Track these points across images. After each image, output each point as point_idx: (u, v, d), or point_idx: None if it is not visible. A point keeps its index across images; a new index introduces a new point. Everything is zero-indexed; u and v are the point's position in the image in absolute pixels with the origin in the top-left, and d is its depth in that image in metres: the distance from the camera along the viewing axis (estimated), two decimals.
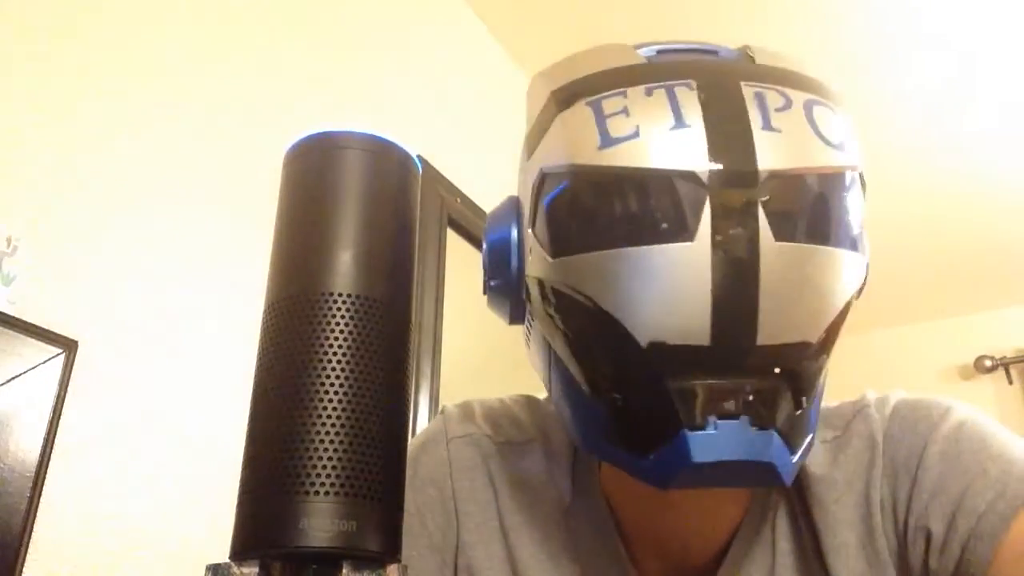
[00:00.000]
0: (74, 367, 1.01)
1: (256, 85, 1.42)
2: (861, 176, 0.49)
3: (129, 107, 1.19)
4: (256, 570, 0.32)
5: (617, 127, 0.46)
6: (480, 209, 1.94)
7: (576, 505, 0.61)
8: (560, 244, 0.49)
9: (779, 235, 0.44)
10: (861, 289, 0.51)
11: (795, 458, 0.46)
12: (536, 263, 0.51)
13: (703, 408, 0.45)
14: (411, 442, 0.68)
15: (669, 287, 0.45)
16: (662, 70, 0.48)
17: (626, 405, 0.48)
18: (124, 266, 1.12)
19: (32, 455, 0.95)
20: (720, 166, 0.44)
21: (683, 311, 0.44)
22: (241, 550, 0.32)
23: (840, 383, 0.62)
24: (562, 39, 2.20)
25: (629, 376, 0.48)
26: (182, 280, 1.20)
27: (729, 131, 0.45)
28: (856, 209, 0.48)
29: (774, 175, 0.44)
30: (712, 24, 2.07)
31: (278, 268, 0.37)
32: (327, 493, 0.31)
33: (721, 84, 0.47)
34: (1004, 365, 3.43)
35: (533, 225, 0.51)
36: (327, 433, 0.32)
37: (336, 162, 0.37)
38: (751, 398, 0.45)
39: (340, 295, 0.35)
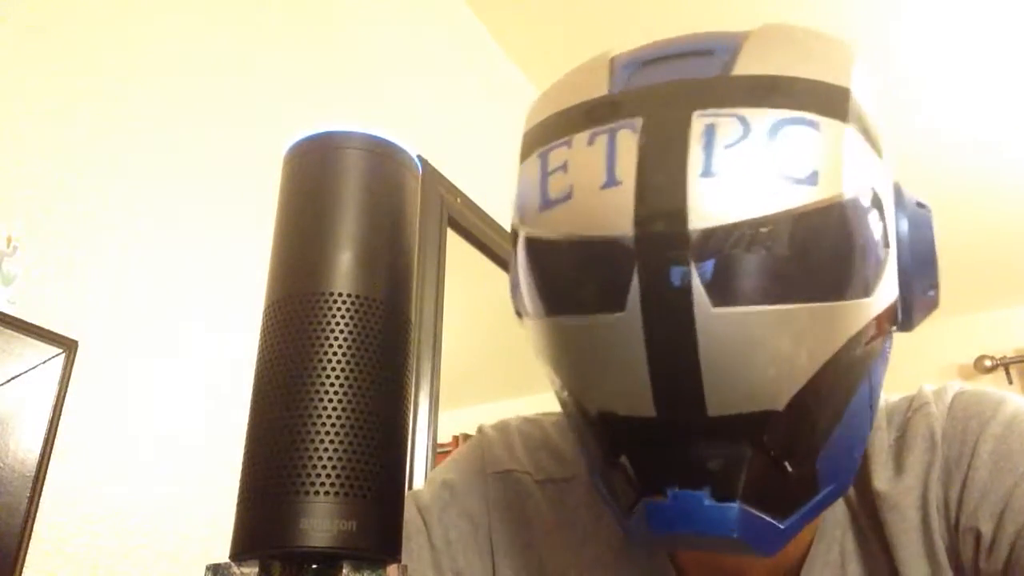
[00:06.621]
0: (74, 367, 1.01)
1: (256, 85, 1.42)
2: (871, 196, 0.42)
3: (129, 107, 1.19)
4: (256, 570, 0.32)
5: (555, 186, 0.43)
6: (480, 209, 1.95)
7: (630, 544, 0.58)
8: (519, 306, 0.49)
9: (717, 300, 0.39)
10: (888, 321, 0.45)
11: (784, 524, 0.43)
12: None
13: (659, 479, 0.43)
14: (446, 464, 0.65)
15: (607, 358, 0.42)
16: (612, 107, 0.44)
17: (602, 467, 0.47)
18: (124, 266, 1.12)
19: (32, 455, 0.95)
20: (647, 229, 0.40)
21: (624, 383, 0.42)
22: (241, 550, 0.32)
23: None
24: (561, 39, 2.20)
25: (594, 443, 0.47)
26: (182, 280, 1.20)
27: (661, 185, 0.40)
28: (846, 244, 0.41)
29: (708, 233, 0.39)
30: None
31: (278, 268, 0.37)
32: (327, 493, 0.31)
33: (668, 121, 0.42)
34: (1004, 365, 3.44)
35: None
36: (327, 433, 0.32)
37: (336, 162, 0.37)
38: (710, 469, 0.42)
39: (340, 295, 0.35)
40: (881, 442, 0.56)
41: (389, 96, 1.76)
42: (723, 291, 0.40)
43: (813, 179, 0.40)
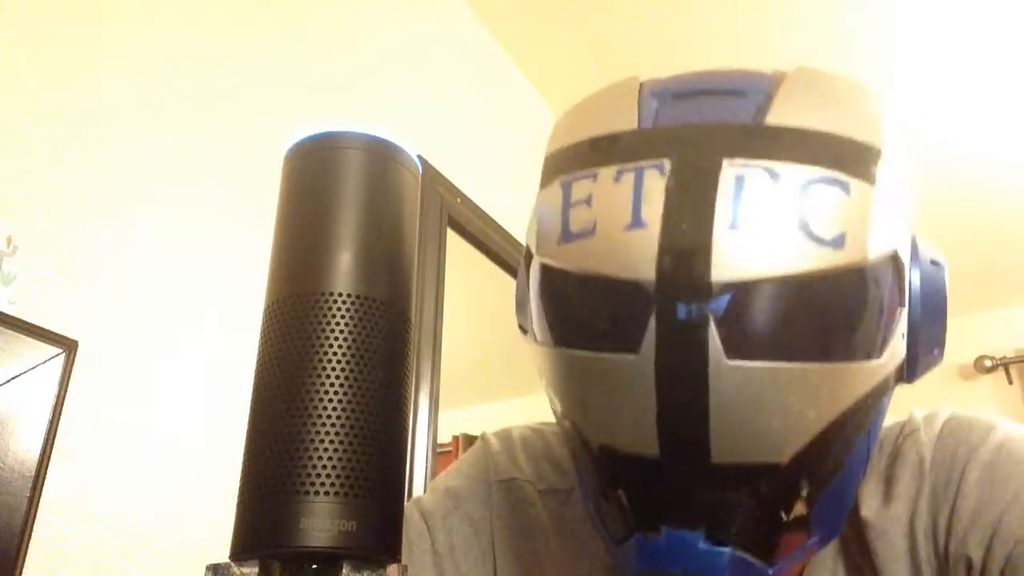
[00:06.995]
0: (74, 367, 1.01)
1: (256, 85, 1.42)
2: (892, 259, 0.43)
3: (129, 107, 1.19)
4: (256, 570, 0.32)
5: (578, 219, 0.43)
6: (480, 209, 1.95)
7: None
8: (524, 322, 0.49)
9: (733, 352, 0.40)
10: (895, 378, 0.46)
11: (772, 570, 0.44)
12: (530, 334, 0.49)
13: (655, 516, 0.43)
14: (449, 472, 0.66)
15: (615, 396, 0.42)
16: (640, 144, 0.43)
17: (597, 496, 0.47)
18: (124, 266, 1.12)
19: (32, 455, 0.95)
20: (669, 276, 0.40)
21: (630, 421, 0.42)
22: (241, 550, 0.32)
23: None
24: (562, 40, 2.20)
25: (591, 472, 0.47)
26: (182, 280, 1.20)
27: (686, 233, 0.40)
28: (864, 308, 0.42)
29: (729, 286, 0.39)
30: (715, 30, 2.07)
31: (278, 268, 0.37)
32: (327, 493, 0.31)
33: (697, 166, 0.41)
34: (1004, 365, 3.43)
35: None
36: (327, 433, 0.32)
37: (336, 162, 0.38)
38: (707, 512, 0.42)
39: (340, 295, 0.35)
40: (871, 469, 0.56)
41: (389, 96, 1.76)
42: (739, 344, 0.40)
43: (839, 242, 0.40)
